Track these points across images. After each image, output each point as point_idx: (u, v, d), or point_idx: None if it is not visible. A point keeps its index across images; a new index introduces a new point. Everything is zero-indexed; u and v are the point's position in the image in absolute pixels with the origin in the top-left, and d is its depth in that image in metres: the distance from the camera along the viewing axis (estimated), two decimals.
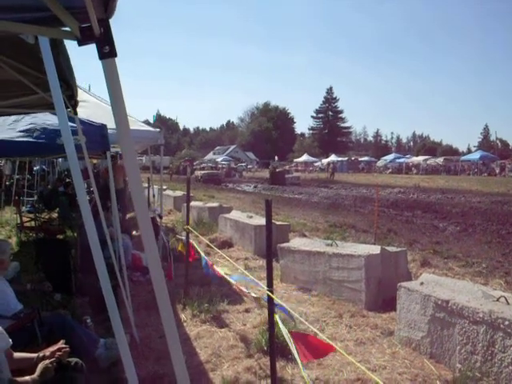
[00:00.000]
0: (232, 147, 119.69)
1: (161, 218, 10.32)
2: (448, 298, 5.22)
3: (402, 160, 79.91)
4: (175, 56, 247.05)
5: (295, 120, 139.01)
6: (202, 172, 53.90)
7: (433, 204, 25.46)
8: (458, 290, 5.54)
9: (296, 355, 3.47)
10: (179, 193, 22.35)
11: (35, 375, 3.19)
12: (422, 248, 12.61)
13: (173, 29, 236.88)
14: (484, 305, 4.88)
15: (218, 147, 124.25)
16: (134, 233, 11.84)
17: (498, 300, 4.98)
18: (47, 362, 3.29)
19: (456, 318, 5.04)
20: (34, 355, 3.52)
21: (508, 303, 4.86)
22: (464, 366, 4.84)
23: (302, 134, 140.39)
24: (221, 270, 5.89)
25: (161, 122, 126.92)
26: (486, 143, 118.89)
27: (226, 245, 12.05)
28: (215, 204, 17.21)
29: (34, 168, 22.28)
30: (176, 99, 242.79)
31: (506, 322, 4.44)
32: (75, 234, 10.10)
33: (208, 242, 9.45)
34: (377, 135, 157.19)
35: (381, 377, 4.78)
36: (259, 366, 5.18)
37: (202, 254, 6.87)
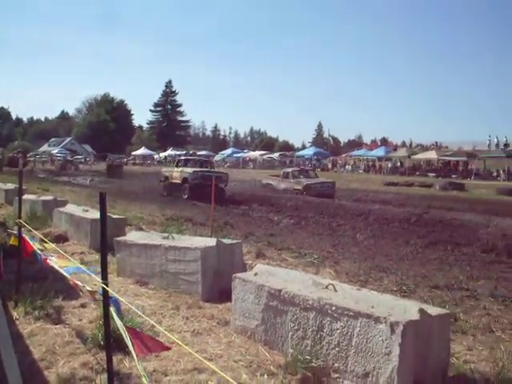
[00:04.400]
0: (68, 139, 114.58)
1: None
2: (280, 287, 5.42)
3: (239, 155, 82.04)
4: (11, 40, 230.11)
5: (133, 112, 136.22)
6: (189, 171, 27.11)
7: (268, 198, 26.32)
8: (291, 279, 5.77)
9: (131, 348, 3.41)
10: (11, 185, 20.88)
11: None
12: (258, 240, 13.02)
13: (16, 16, 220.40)
14: (314, 292, 5.13)
15: (53, 139, 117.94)
16: None
17: (326, 287, 5.27)
18: None
19: (288, 305, 5.25)
20: None
21: (335, 290, 5.16)
22: (296, 351, 5.05)
23: (140, 127, 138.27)
24: (55, 264, 5.63)
25: None
26: (319, 140, 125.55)
27: (60, 239, 11.50)
28: (49, 197, 16.35)
29: None
30: (7, 85, 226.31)
31: (333, 308, 4.70)
32: None
33: (42, 237, 8.97)
34: (215, 130, 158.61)
35: (217, 365, 4.83)
36: (96, 361, 5.01)
37: (36, 248, 6.52)
